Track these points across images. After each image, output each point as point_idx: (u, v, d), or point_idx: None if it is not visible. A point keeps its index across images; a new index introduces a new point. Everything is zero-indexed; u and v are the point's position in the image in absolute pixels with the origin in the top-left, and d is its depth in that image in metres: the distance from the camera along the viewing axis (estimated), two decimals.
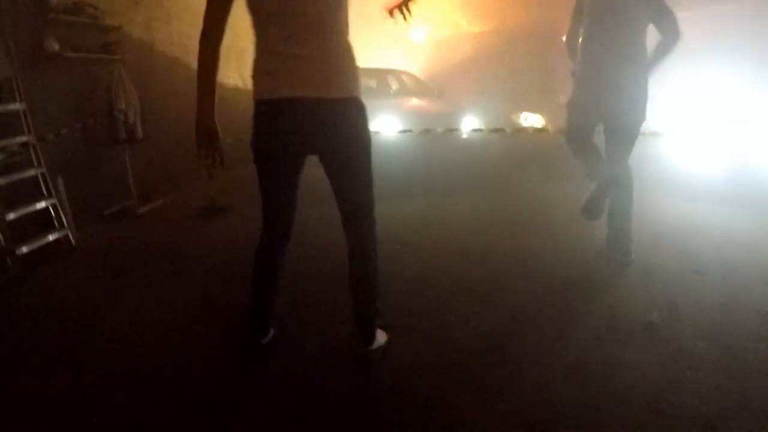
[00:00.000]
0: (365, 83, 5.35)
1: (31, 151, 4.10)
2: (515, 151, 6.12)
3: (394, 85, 7.09)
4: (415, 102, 6.32)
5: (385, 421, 2.08)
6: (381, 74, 7.14)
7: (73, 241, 4.13)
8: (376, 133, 5.29)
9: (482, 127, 5.50)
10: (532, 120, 5.79)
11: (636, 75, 3.26)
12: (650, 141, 4.43)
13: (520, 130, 5.75)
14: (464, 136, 5.42)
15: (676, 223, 4.34)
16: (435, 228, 4.34)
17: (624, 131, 3.36)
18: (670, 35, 3.19)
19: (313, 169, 2.27)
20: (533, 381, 2.28)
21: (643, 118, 3.33)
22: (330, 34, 2.06)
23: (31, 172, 4.05)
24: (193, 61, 2.32)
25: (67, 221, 4.16)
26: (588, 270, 3.45)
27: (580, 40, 3.46)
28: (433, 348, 2.54)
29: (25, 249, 3.76)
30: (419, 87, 7.14)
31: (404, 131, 5.21)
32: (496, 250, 3.80)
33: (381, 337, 2.51)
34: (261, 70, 2.10)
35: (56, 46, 4.54)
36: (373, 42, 8.30)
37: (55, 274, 3.64)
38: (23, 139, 4.03)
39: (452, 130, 5.29)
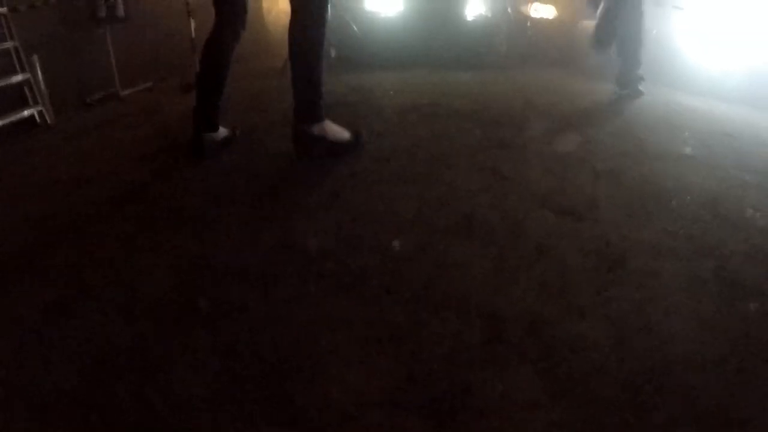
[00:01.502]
0: None
1: (2, 21, 3.83)
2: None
3: None
4: None
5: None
6: None
7: (48, 120, 3.92)
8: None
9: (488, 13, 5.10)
10: (543, 11, 5.37)
11: None
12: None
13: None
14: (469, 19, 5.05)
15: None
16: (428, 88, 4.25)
17: None
18: None
19: None
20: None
21: None
22: None
23: (4, 45, 3.81)
24: None
25: (43, 100, 3.94)
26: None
27: None
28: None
29: None
30: None
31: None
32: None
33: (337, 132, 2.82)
34: None
35: None
36: None
37: (29, 146, 3.47)
38: None
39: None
